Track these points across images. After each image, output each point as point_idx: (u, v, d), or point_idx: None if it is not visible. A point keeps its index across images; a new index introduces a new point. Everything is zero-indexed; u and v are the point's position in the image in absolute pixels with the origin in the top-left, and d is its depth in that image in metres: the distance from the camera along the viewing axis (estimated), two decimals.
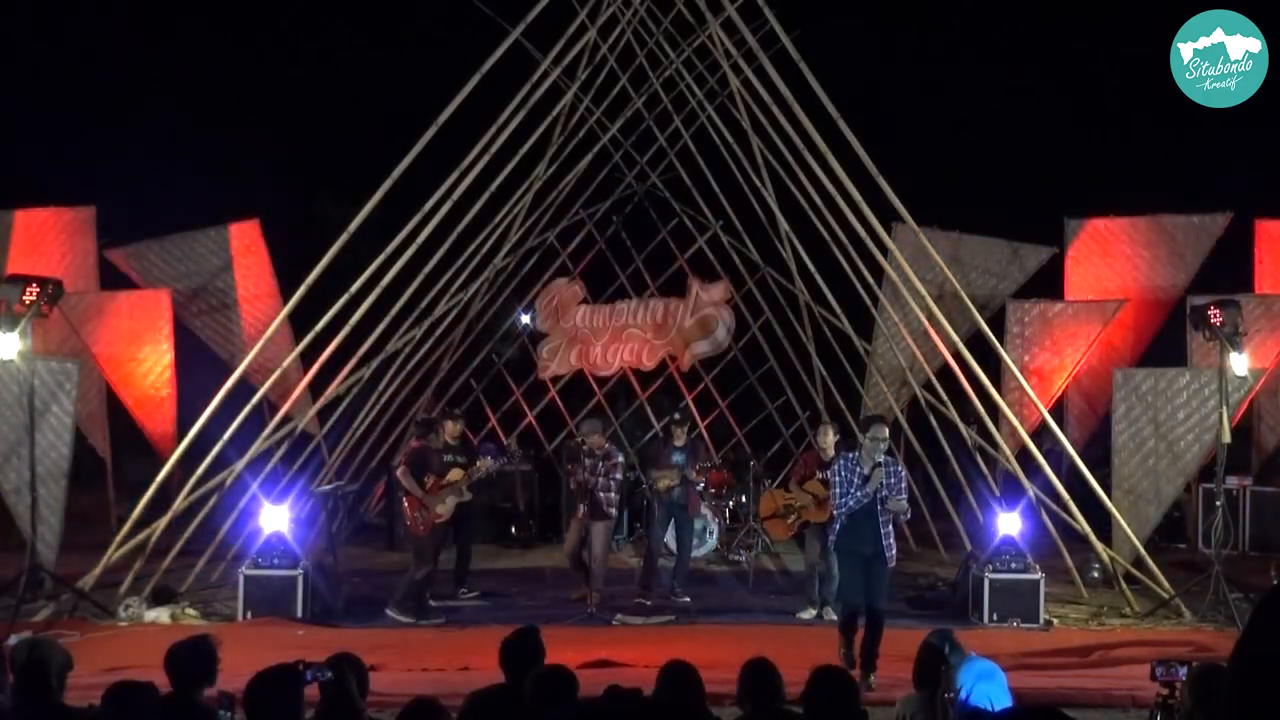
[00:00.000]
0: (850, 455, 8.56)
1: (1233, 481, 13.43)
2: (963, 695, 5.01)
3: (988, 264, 14.83)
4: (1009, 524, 10.75)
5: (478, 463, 11.18)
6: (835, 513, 8.52)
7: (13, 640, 8.78)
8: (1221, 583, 10.57)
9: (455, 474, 10.93)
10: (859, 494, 8.29)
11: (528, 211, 15.56)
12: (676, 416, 11.80)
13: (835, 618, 10.15)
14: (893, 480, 8.35)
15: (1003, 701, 5.04)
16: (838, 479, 8.43)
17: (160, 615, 10.45)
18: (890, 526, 8.40)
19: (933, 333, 12.48)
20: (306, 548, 11.24)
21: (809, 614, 10.66)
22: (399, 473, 10.84)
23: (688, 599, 11.15)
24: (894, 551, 8.46)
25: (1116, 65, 20.76)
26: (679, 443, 11.40)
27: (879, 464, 8.26)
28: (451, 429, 11.51)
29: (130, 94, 20.79)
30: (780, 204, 14.96)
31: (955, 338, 12.01)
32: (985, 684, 5.08)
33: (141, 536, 11.45)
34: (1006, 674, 5.28)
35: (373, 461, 15.75)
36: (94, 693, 5.74)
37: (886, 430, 8.56)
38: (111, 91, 20.59)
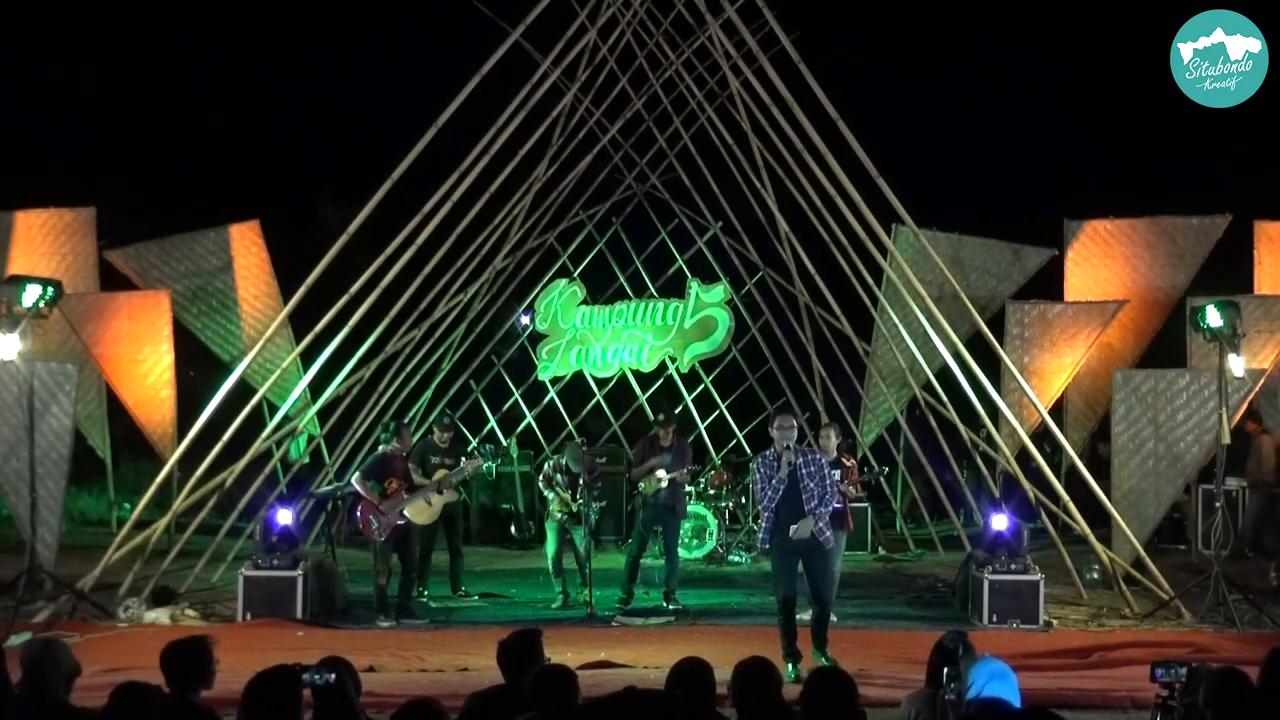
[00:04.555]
0: (766, 453, 8.71)
1: (1232, 483, 13.41)
2: (972, 694, 5.01)
3: (987, 265, 14.85)
4: (1000, 523, 10.77)
5: (463, 462, 11.27)
6: (760, 508, 8.71)
7: (14, 641, 8.81)
8: (1221, 584, 10.57)
9: (440, 474, 11.04)
10: (775, 482, 8.45)
11: (527, 212, 15.55)
12: (660, 417, 11.70)
13: (835, 618, 10.15)
14: (813, 469, 8.51)
15: (1013, 701, 5.03)
16: (757, 477, 8.67)
17: (160, 616, 10.44)
18: (821, 513, 8.53)
19: (932, 334, 12.49)
20: (306, 549, 11.28)
21: (809, 614, 10.64)
22: (354, 479, 10.88)
23: (682, 605, 11.11)
24: (828, 535, 8.61)
25: (1116, 65, 20.76)
26: (665, 443, 11.32)
27: (787, 448, 8.46)
28: (440, 435, 11.73)
29: (130, 94, 20.80)
30: (780, 205, 14.96)
31: (955, 339, 12.02)
32: (997, 684, 5.08)
33: (141, 537, 11.46)
34: None
35: None
36: (93, 694, 5.74)
37: (793, 420, 8.82)
38: (112, 91, 20.60)
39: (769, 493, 8.52)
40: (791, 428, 8.65)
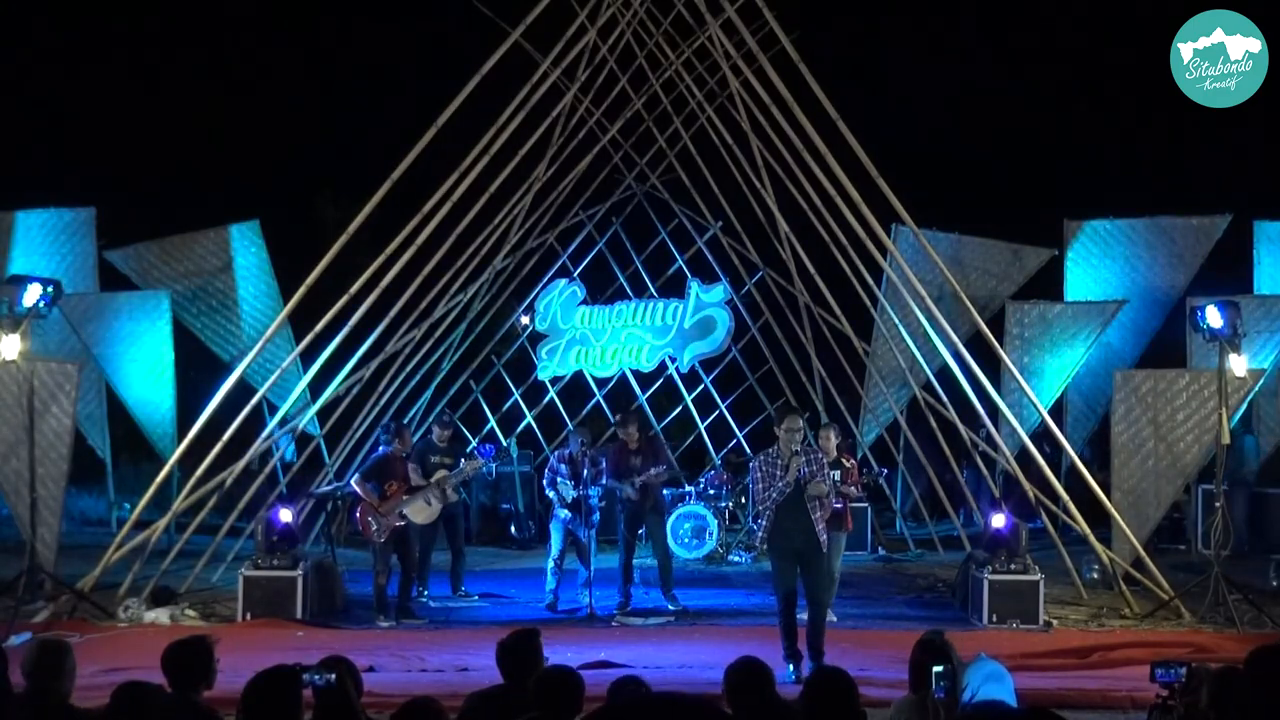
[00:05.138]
0: (768, 451, 8.65)
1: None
2: (967, 696, 5.01)
3: (987, 265, 14.85)
4: (998, 521, 10.78)
5: (462, 463, 11.27)
6: (760, 508, 8.65)
7: (14, 641, 8.82)
8: (1221, 584, 10.57)
9: (440, 475, 11.04)
10: (781, 484, 8.40)
11: (527, 212, 15.55)
12: (617, 417, 11.60)
13: (835, 618, 10.16)
14: (814, 468, 8.47)
15: (1009, 703, 5.03)
16: (758, 475, 8.57)
17: (160, 616, 10.44)
18: (819, 514, 8.49)
19: (932, 334, 12.49)
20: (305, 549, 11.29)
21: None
22: (354, 481, 10.88)
23: (681, 604, 11.09)
24: (825, 537, 8.52)
25: (1116, 65, 20.75)
26: (634, 446, 11.28)
27: (796, 452, 8.40)
28: (440, 434, 11.69)
29: (130, 94, 20.80)
30: (780, 205, 14.96)
31: (955, 339, 12.02)
32: (993, 685, 5.08)
33: (141, 537, 11.46)
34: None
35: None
36: (94, 694, 5.76)
37: (800, 420, 8.72)
38: (112, 92, 20.59)
39: (772, 494, 8.46)
40: (800, 429, 8.60)
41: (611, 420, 17.05)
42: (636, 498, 11.15)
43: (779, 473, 8.44)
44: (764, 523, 8.64)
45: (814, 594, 8.67)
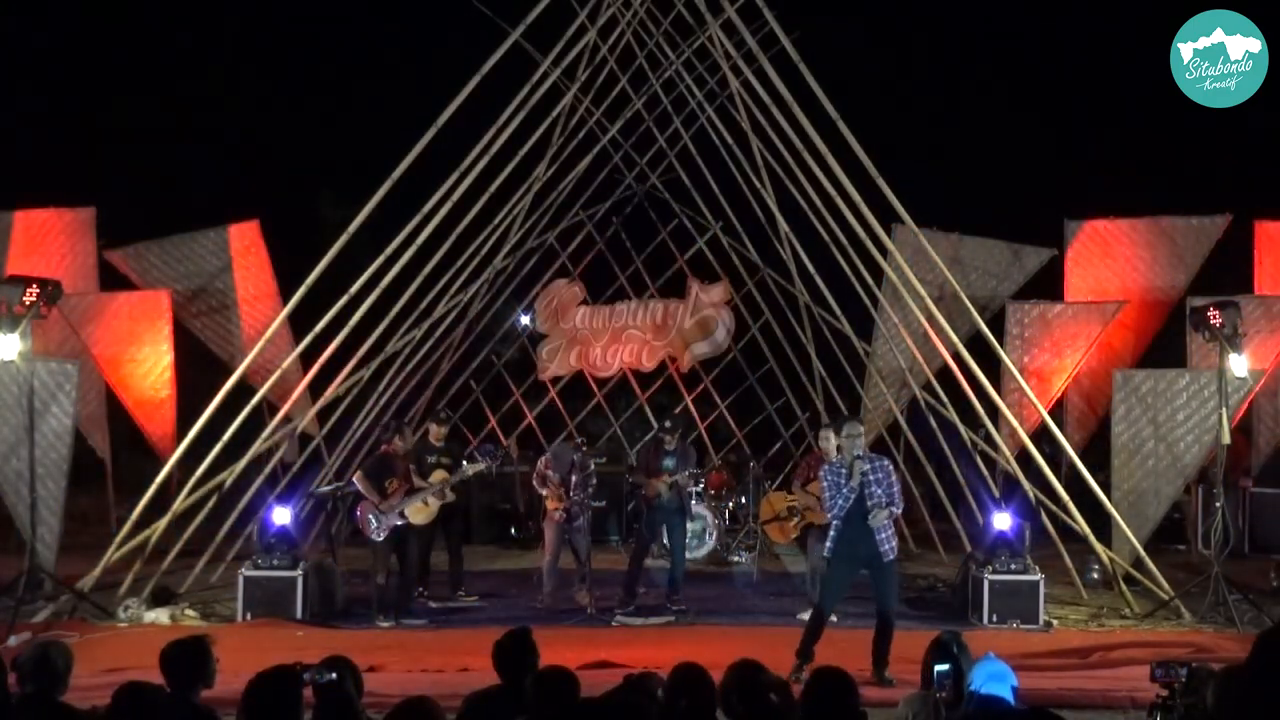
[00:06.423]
0: (835, 461, 8.75)
1: None
2: (971, 691, 5.03)
3: (987, 265, 14.84)
4: (1003, 521, 10.78)
5: (464, 465, 11.24)
6: (830, 517, 8.68)
7: (12, 641, 8.82)
8: (1221, 584, 10.58)
9: (438, 475, 11.01)
10: (846, 490, 8.43)
11: (527, 212, 15.54)
12: (667, 424, 11.66)
13: (835, 618, 10.14)
14: (880, 475, 8.50)
15: (1009, 702, 5.05)
16: (825, 483, 8.64)
17: (160, 616, 10.45)
18: (882, 517, 8.51)
19: (932, 334, 12.48)
20: (306, 549, 11.28)
21: (808, 614, 10.63)
22: (356, 478, 10.87)
23: (683, 606, 11.08)
24: (891, 545, 8.56)
25: (1116, 65, 20.75)
26: (669, 447, 11.32)
27: (858, 457, 8.46)
28: (436, 431, 11.62)
29: (130, 95, 20.80)
30: (780, 205, 14.95)
31: (955, 339, 12.02)
32: (994, 684, 5.09)
33: (141, 537, 11.47)
34: None
35: None
36: (93, 694, 5.76)
37: (861, 427, 8.85)
38: (111, 92, 20.60)
39: (839, 501, 8.48)
40: (860, 435, 8.67)
41: (612, 420, 17.12)
42: (669, 495, 11.11)
43: (843, 479, 8.48)
44: (833, 532, 8.61)
45: (885, 605, 8.62)
